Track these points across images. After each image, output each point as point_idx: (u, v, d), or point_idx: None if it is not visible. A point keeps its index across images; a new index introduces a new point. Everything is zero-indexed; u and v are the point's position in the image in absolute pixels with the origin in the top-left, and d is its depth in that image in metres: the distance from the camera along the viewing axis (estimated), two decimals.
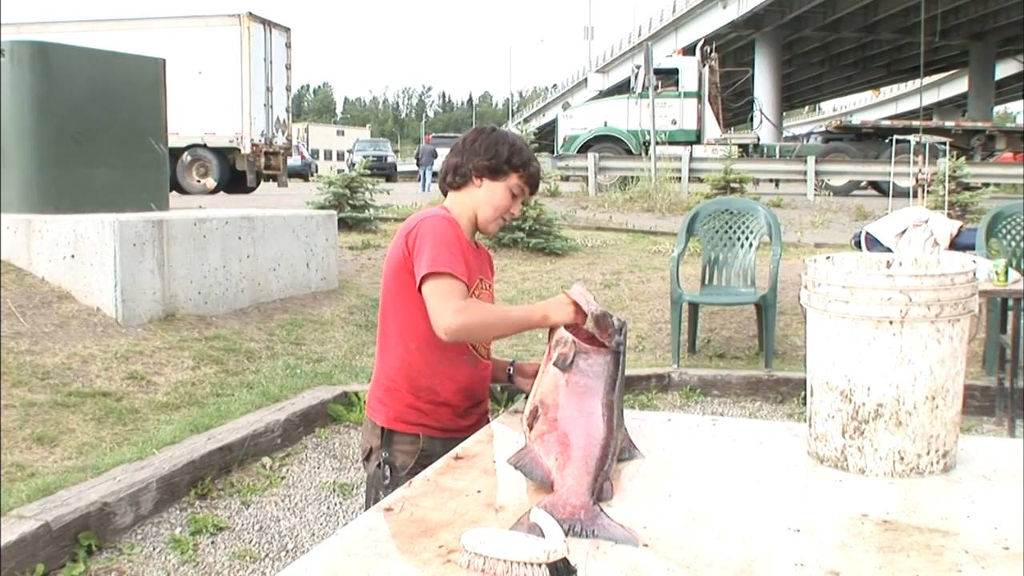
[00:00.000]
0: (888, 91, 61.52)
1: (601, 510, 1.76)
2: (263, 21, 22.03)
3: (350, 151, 45.78)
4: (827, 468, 2.04)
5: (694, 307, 7.14)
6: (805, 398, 6.36)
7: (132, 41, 17.03)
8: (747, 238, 7.14)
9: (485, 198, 2.52)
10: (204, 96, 20.93)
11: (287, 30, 23.08)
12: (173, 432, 4.82)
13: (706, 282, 7.24)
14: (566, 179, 20.39)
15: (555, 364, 2.09)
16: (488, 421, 2.66)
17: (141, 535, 4.12)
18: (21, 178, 6.76)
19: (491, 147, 2.52)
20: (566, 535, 1.65)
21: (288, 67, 23.19)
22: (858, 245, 7.63)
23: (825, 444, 2.05)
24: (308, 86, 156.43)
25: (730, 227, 7.20)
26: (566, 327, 2.17)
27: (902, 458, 1.96)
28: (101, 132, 7.07)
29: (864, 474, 1.99)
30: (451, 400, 2.52)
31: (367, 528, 1.77)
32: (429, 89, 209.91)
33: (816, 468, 2.06)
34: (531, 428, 2.04)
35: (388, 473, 2.52)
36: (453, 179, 2.56)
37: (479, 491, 1.91)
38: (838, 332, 2.00)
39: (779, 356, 6.65)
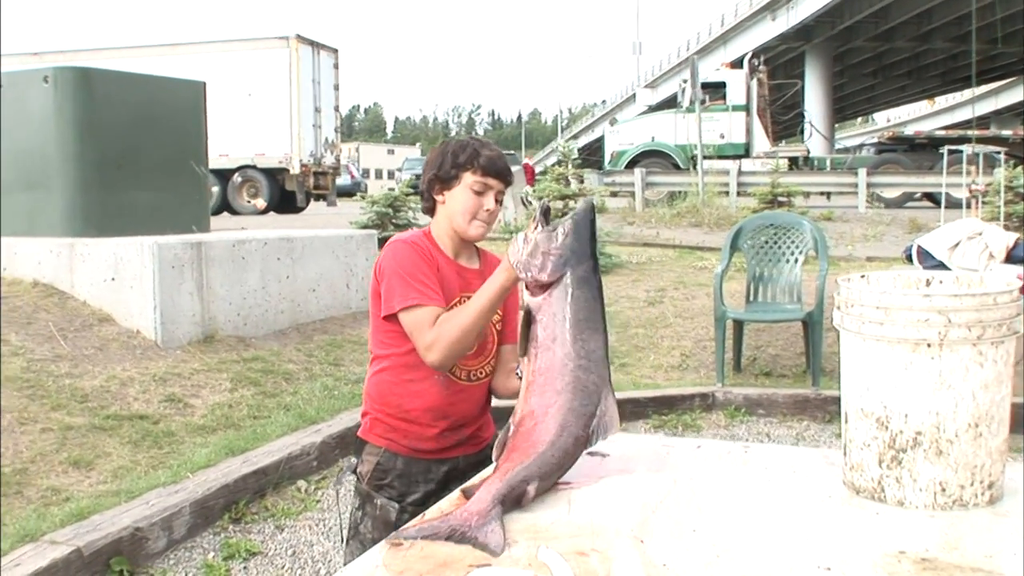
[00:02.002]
0: (943, 100, 60.56)
1: (498, 518, 1.78)
2: (311, 43, 22.27)
3: (399, 170, 46.10)
4: (863, 499, 1.93)
5: (739, 324, 6.99)
6: None
7: (184, 65, 17.31)
8: (792, 253, 6.97)
9: (452, 208, 2.48)
10: (254, 118, 21.20)
11: (335, 51, 23.31)
12: (208, 455, 4.79)
13: (751, 299, 7.08)
14: (614, 195, 20.29)
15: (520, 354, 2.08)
16: (478, 445, 2.60)
17: (174, 560, 4.09)
18: (64, 202, 6.83)
19: (435, 160, 2.52)
20: (446, 539, 1.72)
21: (336, 87, 23.41)
22: (909, 259, 7.43)
23: (861, 474, 1.94)
24: (359, 106, 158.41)
25: (775, 242, 7.04)
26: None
27: (944, 489, 1.85)
28: (143, 155, 7.13)
29: (903, 506, 1.87)
30: (420, 419, 2.50)
31: (374, 565, 1.69)
32: (479, 107, 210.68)
33: (852, 499, 1.95)
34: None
35: (354, 479, 2.61)
36: (424, 205, 2.59)
37: None
38: (873, 355, 1.89)
39: (827, 374, 6.47)
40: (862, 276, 2.09)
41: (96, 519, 4.01)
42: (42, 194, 6.91)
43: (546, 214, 2.13)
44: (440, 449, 2.51)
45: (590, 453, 2.33)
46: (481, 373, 2.54)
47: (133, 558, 3.94)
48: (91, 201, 6.85)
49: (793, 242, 6.98)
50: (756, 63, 24.85)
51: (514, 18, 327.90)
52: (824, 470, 2.13)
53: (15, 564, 3.60)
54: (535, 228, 2.08)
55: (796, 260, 6.95)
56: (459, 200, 2.46)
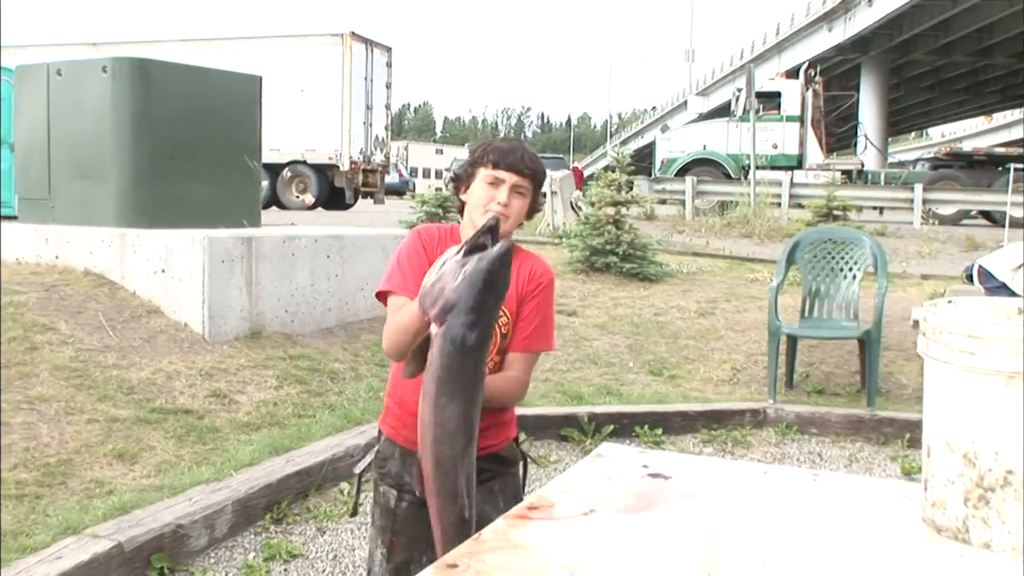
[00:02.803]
0: (1001, 117, 59.46)
1: None
2: (365, 40, 22.35)
3: (447, 169, 46.27)
4: (946, 539, 1.81)
5: (792, 340, 6.84)
6: (909, 440, 5.95)
7: (238, 59, 17.43)
8: (851, 269, 6.81)
9: (470, 203, 2.56)
10: (305, 113, 21.32)
11: (388, 50, 23.38)
12: (252, 453, 4.75)
13: (806, 314, 6.92)
14: (663, 202, 20.12)
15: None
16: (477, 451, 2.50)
17: (214, 559, 4.05)
18: (118, 192, 6.85)
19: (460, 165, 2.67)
20: None
21: (388, 86, 23.48)
22: (970, 279, 7.21)
23: (943, 512, 1.82)
24: (409, 105, 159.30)
25: (833, 257, 6.88)
26: None
27: None
28: (197, 148, 7.12)
29: (989, 549, 1.75)
30: (415, 410, 2.45)
31: None
32: (528, 109, 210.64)
33: (932, 538, 1.83)
34: None
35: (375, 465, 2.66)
36: (458, 206, 2.68)
37: (551, 548, 1.74)
38: (962, 387, 1.77)
39: (883, 395, 6.30)
40: (949, 301, 1.97)
41: (138, 514, 3.98)
42: (96, 183, 6.94)
43: (491, 231, 2.06)
44: None
45: (652, 475, 2.23)
46: None
47: (174, 555, 3.90)
48: (144, 192, 6.86)
49: (852, 258, 6.82)
50: (812, 74, 24.56)
51: (568, 22, 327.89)
52: (900, 504, 2.01)
53: (56, 557, 3.57)
54: (458, 251, 2.02)
55: (854, 276, 6.78)
56: (475, 194, 2.53)
